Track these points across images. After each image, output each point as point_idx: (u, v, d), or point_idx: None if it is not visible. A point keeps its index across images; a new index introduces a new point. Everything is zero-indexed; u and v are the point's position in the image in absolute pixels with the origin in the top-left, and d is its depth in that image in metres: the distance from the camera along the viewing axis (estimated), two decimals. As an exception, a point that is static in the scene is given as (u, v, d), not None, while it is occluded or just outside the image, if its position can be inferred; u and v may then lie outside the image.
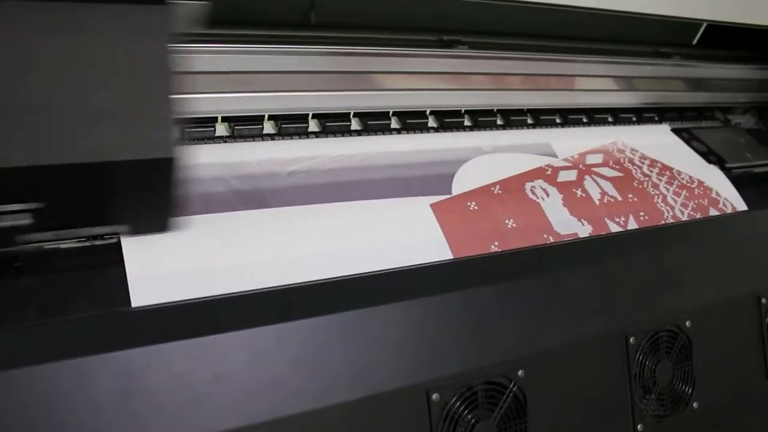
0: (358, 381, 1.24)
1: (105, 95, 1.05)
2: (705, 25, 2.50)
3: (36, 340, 1.05)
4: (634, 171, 2.02)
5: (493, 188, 1.72)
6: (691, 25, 2.49)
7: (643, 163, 2.07)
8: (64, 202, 1.17)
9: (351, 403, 1.22)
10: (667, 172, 2.06)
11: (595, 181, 1.90)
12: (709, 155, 2.26)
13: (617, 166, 2.01)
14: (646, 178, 2.01)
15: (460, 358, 1.35)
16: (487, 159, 1.82)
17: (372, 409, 1.24)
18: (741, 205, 2.11)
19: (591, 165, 1.97)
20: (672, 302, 1.71)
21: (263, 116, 1.62)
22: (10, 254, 1.20)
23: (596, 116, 2.17)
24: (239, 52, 1.54)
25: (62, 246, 1.26)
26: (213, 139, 1.56)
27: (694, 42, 2.57)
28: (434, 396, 1.31)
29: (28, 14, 0.99)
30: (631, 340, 1.60)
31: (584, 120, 2.15)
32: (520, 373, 1.41)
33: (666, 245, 1.79)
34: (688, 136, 2.31)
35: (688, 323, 1.71)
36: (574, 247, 1.66)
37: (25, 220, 1.13)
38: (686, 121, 2.40)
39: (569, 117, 2.11)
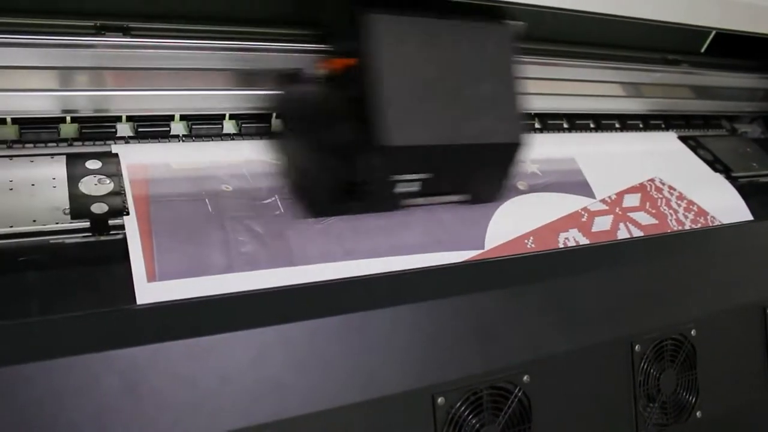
0: (363, 383, 1.23)
1: (481, 94, 1.45)
2: (714, 33, 2.49)
3: (39, 336, 1.05)
4: (669, 217, 1.96)
5: (526, 240, 1.66)
6: (700, 33, 2.48)
7: (679, 205, 2.01)
8: (442, 174, 1.49)
9: (356, 405, 1.21)
10: (702, 219, 2.03)
11: (629, 230, 1.85)
12: (716, 164, 2.26)
13: (653, 210, 1.95)
14: (680, 226, 1.97)
15: (466, 362, 1.34)
16: (523, 201, 1.74)
17: (377, 411, 1.23)
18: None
19: (628, 209, 1.91)
20: (677, 311, 1.71)
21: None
22: (14, 249, 1.20)
23: (603, 122, 2.17)
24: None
25: (68, 241, 1.26)
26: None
27: (703, 50, 2.56)
28: (439, 400, 1.30)
29: (452, 31, 1.44)
30: (637, 347, 1.60)
31: (591, 125, 2.15)
32: (525, 378, 1.40)
33: (672, 254, 1.79)
34: (694, 144, 2.30)
35: (693, 332, 1.70)
36: (581, 254, 1.66)
37: (415, 188, 1.47)
38: (693, 129, 2.40)
39: (576, 122, 2.10)
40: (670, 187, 2.04)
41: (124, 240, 1.26)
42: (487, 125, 1.46)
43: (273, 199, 1.45)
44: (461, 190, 1.59)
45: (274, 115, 1.59)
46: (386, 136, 1.34)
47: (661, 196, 2.00)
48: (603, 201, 1.88)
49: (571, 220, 1.78)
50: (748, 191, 2.18)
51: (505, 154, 1.54)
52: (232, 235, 1.34)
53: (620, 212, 1.88)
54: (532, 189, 1.78)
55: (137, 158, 1.42)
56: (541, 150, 1.86)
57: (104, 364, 1.04)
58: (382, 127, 1.34)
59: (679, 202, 2.03)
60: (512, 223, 1.67)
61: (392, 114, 1.35)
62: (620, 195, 1.93)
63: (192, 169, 1.45)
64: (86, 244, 1.27)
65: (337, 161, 1.38)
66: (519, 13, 1.52)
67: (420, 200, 1.52)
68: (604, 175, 1.95)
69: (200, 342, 1.11)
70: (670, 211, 1.99)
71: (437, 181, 1.49)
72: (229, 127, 1.57)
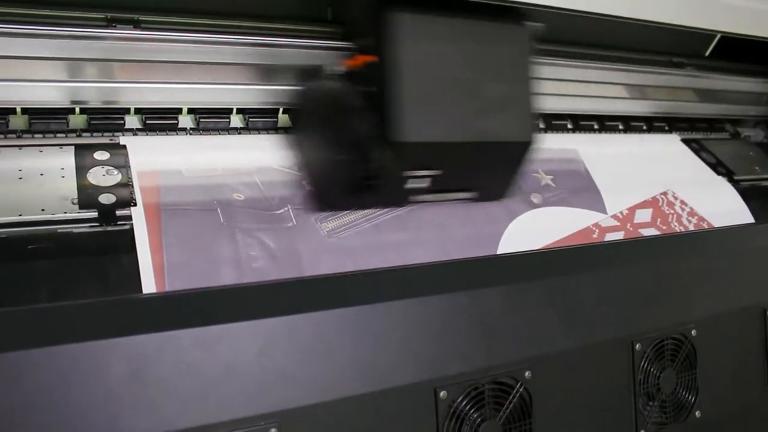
0: (366, 375, 1.24)
1: (496, 93, 1.46)
2: (718, 36, 2.50)
3: (46, 322, 1.05)
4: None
5: None
6: (705, 36, 2.49)
7: (690, 221, 2.02)
8: (452, 171, 1.50)
9: (358, 397, 1.22)
10: None
11: None
12: (718, 167, 2.27)
13: (664, 227, 1.95)
14: None
15: (469, 357, 1.35)
16: (536, 216, 1.74)
17: (379, 404, 1.24)
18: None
19: (639, 224, 1.91)
20: (678, 311, 1.72)
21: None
22: (22, 237, 1.21)
23: (607, 123, 2.18)
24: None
25: (75, 230, 1.27)
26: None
27: (707, 53, 2.57)
28: (441, 393, 1.31)
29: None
30: (637, 346, 1.60)
31: (595, 126, 2.15)
32: (527, 374, 1.41)
33: (674, 255, 1.79)
34: (697, 147, 2.32)
35: (693, 332, 1.71)
36: (584, 252, 1.67)
37: (425, 184, 1.49)
38: (696, 132, 2.41)
39: (580, 123, 2.11)
40: (682, 202, 2.03)
41: (131, 230, 1.27)
42: (501, 124, 1.48)
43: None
44: (469, 187, 1.60)
45: (281, 110, 1.61)
46: (401, 132, 1.37)
47: (672, 211, 1.99)
48: (614, 216, 1.87)
49: (583, 236, 1.78)
50: (749, 195, 2.19)
51: (516, 152, 1.56)
52: (244, 250, 1.35)
53: (631, 228, 1.89)
54: (546, 202, 1.78)
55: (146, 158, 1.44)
56: (553, 156, 1.87)
57: (110, 351, 1.05)
58: (397, 123, 1.36)
59: (690, 218, 2.03)
60: (524, 239, 1.67)
61: (408, 111, 1.37)
62: (632, 210, 1.92)
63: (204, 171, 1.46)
64: (93, 234, 1.28)
65: (352, 156, 1.40)
66: (525, 12, 1.53)
67: (428, 197, 1.55)
68: (615, 183, 1.95)
69: (206, 331, 1.12)
70: (681, 227, 1.99)
71: (447, 178, 1.51)
72: (236, 121, 1.58)
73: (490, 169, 1.58)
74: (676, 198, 2.03)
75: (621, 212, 1.89)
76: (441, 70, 1.41)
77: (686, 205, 2.03)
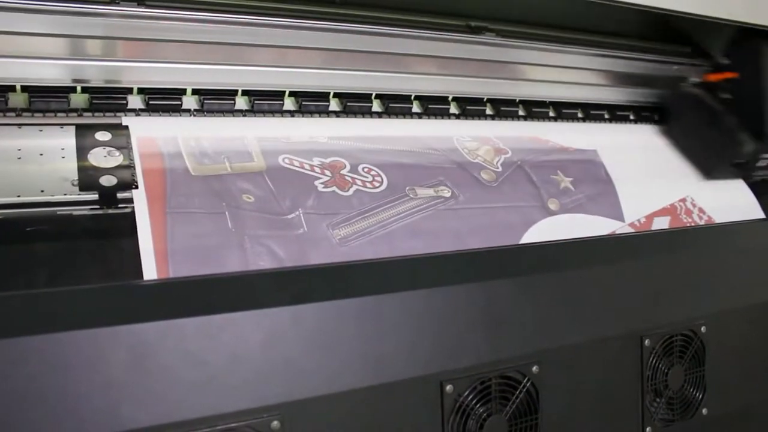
0: (372, 368, 1.21)
1: None
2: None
3: (45, 307, 1.02)
4: None
5: None
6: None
7: None
8: None
9: (364, 389, 1.20)
10: None
11: None
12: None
13: None
14: None
15: (476, 350, 1.32)
16: (553, 224, 1.68)
17: (385, 396, 1.22)
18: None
19: None
20: (688, 307, 1.69)
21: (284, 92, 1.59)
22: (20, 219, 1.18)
23: (618, 113, 2.14)
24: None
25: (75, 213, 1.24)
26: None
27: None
28: (448, 387, 1.28)
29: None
30: (646, 342, 1.58)
31: (606, 116, 2.12)
32: (534, 369, 1.39)
33: (684, 250, 1.77)
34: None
35: (703, 329, 1.69)
36: (594, 246, 1.64)
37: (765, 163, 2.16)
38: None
39: (591, 112, 2.08)
40: (701, 210, 1.99)
41: (133, 214, 1.24)
42: None
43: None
44: None
45: (287, 93, 1.58)
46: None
47: (690, 219, 1.95)
48: (632, 225, 1.83)
49: None
50: (761, 189, 2.16)
51: None
52: (252, 258, 1.30)
53: None
54: (564, 208, 1.72)
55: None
56: (573, 158, 1.84)
57: (109, 340, 1.02)
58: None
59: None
60: None
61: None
62: (650, 218, 1.88)
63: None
64: (93, 217, 1.24)
65: (723, 143, 2.07)
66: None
67: (764, 173, 2.15)
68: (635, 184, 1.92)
69: (208, 321, 1.09)
70: None
71: None
72: (241, 103, 1.55)
73: None
74: (694, 205, 1.99)
75: (638, 220, 1.85)
76: None
77: (704, 213, 2.00)
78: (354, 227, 1.40)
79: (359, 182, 1.48)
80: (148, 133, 1.40)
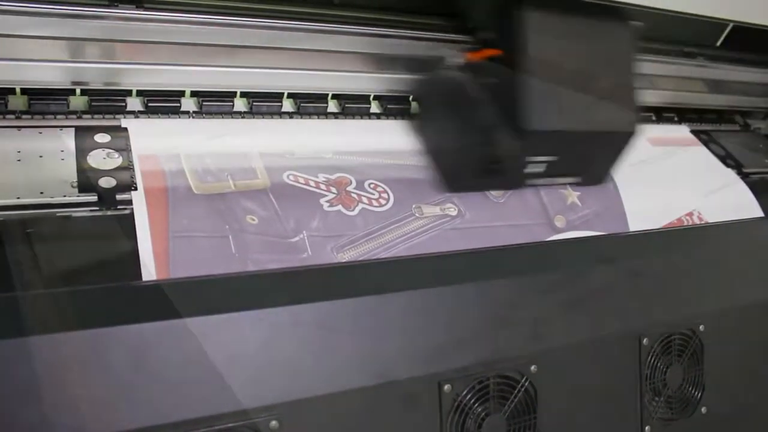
0: (369, 368, 1.22)
1: (605, 86, 1.58)
2: (731, 26, 2.45)
3: (44, 308, 1.03)
4: None
5: None
6: (717, 25, 2.44)
7: None
8: (564, 158, 1.61)
9: (362, 389, 1.20)
10: None
11: None
12: (727, 159, 2.23)
13: None
14: None
15: (474, 350, 1.33)
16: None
17: (383, 396, 1.22)
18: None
19: None
20: (687, 306, 1.69)
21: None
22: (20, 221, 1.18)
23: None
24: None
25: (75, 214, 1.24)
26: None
27: (718, 43, 2.53)
28: (446, 387, 1.29)
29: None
30: (644, 341, 1.58)
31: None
32: (532, 368, 1.39)
33: (683, 248, 1.77)
34: (706, 138, 2.28)
35: (701, 327, 1.69)
36: (592, 245, 1.64)
37: (541, 168, 1.61)
38: (705, 123, 2.37)
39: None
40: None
41: (132, 215, 1.24)
42: (609, 115, 1.60)
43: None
44: (576, 172, 1.73)
45: (286, 94, 1.58)
46: (528, 121, 1.47)
47: None
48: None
49: None
50: (759, 188, 2.16)
51: (621, 142, 1.68)
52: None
53: None
54: (569, 226, 1.70)
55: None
56: None
57: (108, 341, 1.02)
58: (524, 113, 1.46)
59: None
60: None
61: (535, 101, 1.48)
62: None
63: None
64: (93, 218, 1.25)
65: (476, 142, 1.53)
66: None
67: (541, 180, 1.67)
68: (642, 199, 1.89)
69: (206, 321, 1.10)
70: None
71: (559, 164, 1.63)
72: (239, 105, 1.55)
73: (595, 156, 1.72)
74: (701, 221, 1.96)
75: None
76: (560, 64, 1.53)
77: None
78: (358, 250, 1.39)
79: (365, 200, 1.47)
80: (148, 143, 1.40)
